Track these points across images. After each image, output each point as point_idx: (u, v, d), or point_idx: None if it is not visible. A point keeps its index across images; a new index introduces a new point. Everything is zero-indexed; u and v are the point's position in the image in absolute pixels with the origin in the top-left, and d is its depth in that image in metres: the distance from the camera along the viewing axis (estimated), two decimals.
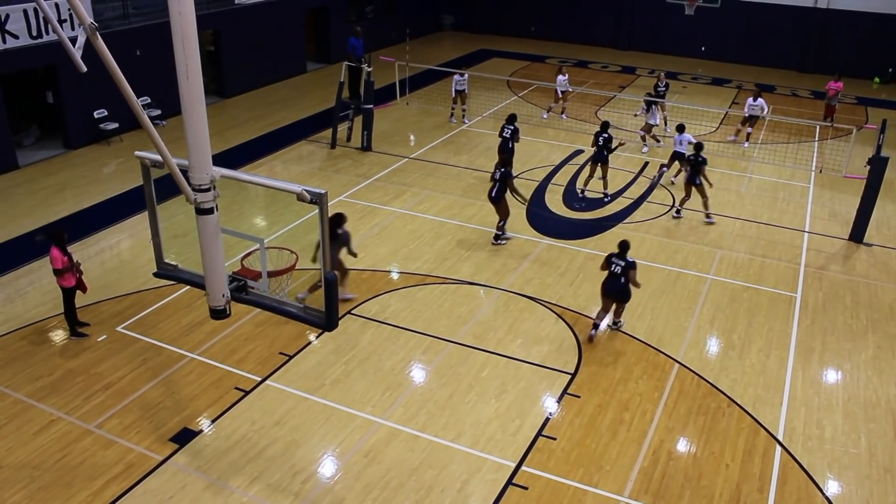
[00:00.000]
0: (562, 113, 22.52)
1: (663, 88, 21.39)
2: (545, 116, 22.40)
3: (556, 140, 20.55)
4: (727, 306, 12.59)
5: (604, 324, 11.74)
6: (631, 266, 11.11)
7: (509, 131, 16.65)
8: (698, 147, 15.44)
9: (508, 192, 13.96)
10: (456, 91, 21.25)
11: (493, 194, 14.08)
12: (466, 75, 21.34)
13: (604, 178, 16.74)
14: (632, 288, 11.26)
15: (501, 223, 14.37)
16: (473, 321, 11.86)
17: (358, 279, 12.99)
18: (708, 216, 15.68)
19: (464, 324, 11.79)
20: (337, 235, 11.38)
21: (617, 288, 11.21)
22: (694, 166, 15.23)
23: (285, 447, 9.15)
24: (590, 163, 16.82)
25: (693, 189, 15.44)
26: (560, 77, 22.12)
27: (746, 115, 20.33)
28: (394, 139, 20.17)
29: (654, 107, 19.71)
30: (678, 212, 15.84)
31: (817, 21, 28.94)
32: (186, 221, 7.77)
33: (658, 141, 20.21)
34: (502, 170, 14.04)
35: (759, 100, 20.01)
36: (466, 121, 21.41)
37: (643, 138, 19.90)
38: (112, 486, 8.47)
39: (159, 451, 9.01)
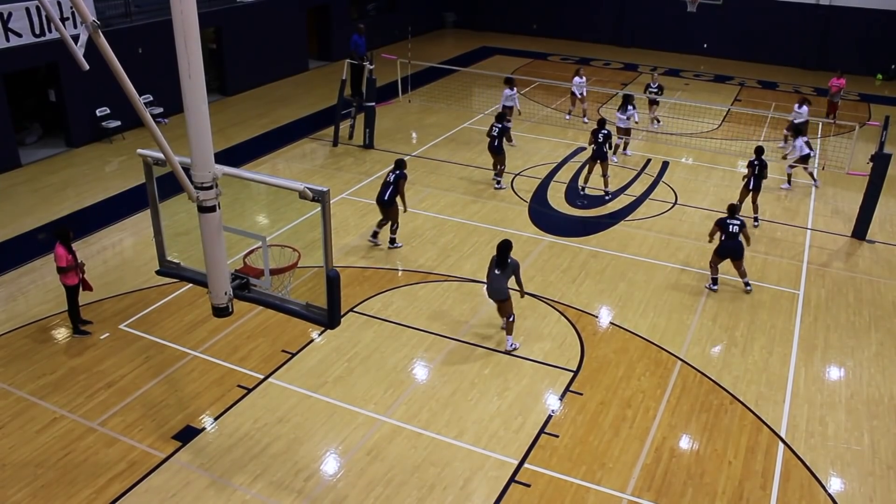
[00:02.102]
0: (583, 116, 21.95)
1: (655, 89, 20.92)
2: (568, 118, 22.10)
3: (557, 137, 20.52)
4: (729, 303, 12.58)
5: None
6: (744, 224, 12.50)
7: (497, 130, 16.47)
8: (760, 150, 15.19)
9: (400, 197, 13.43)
10: (504, 107, 19.85)
11: (384, 198, 13.42)
12: (516, 89, 20.01)
13: (604, 175, 16.71)
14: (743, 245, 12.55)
15: (389, 225, 13.79)
16: (475, 318, 11.85)
17: (360, 277, 13.00)
18: (756, 219, 15.53)
19: (466, 321, 11.78)
20: (507, 264, 10.55)
21: (737, 246, 12.45)
22: (759, 169, 14.99)
23: (288, 445, 9.16)
24: (590, 161, 16.80)
25: (749, 192, 15.19)
26: (577, 79, 21.48)
27: (793, 121, 19.35)
28: (396, 137, 20.16)
29: (630, 108, 18.70)
30: (756, 220, 15.52)
31: (820, 18, 28.88)
32: (189, 219, 7.79)
33: (625, 152, 19.24)
34: (397, 171, 13.48)
35: (805, 107, 19.35)
36: (513, 143, 19.60)
37: (625, 145, 19.20)
38: (115, 484, 8.49)
39: (162, 449, 9.02)
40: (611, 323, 11.94)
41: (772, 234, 15.20)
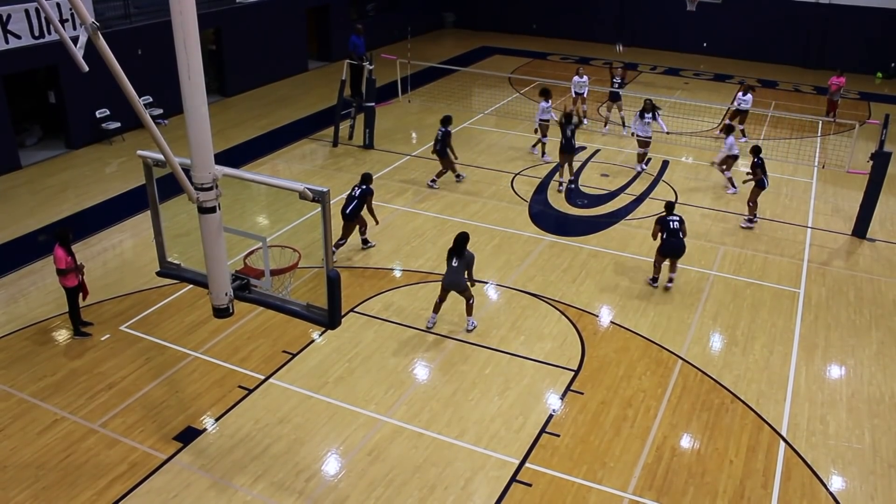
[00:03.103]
0: (583, 116, 21.07)
1: (618, 84, 20.53)
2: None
3: (557, 137, 20.43)
4: (730, 302, 12.58)
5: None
6: (682, 221, 12.51)
7: (440, 133, 16.14)
8: (758, 150, 15.19)
9: (365, 209, 13.29)
10: (540, 121, 18.42)
11: (346, 211, 13.14)
12: (550, 102, 18.52)
13: (570, 164, 17.05)
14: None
15: (343, 242, 13.49)
16: (476, 318, 11.84)
17: (361, 277, 13.00)
18: (752, 220, 15.42)
19: (467, 321, 11.78)
20: (462, 257, 11.01)
21: (680, 243, 12.46)
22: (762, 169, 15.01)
23: (289, 445, 9.16)
24: (560, 154, 16.96)
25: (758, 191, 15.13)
26: (576, 78, 21.04)
27: (735, 107, 20.26)
28: (395, 137, 20.16)
29: (648, 116, 17.49)
30: (750, 221, 15.42)
31: (820, 16, 28.87)
32: (189, 220, 7.80)
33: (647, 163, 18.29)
34: (363, 187, 13.22)
35: (749, 95, 19.81)
36: (547, 157, 18.76)
37: (642, 158, 18.11)
38: (116, 485, 8.49)
39: (163, 450, 9.02)
40: (611, 322, 11.94)
41: (772, 232, 15.19)
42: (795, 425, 9.78)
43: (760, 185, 15.06)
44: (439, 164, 16.53)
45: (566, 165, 17.06)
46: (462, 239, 11.12)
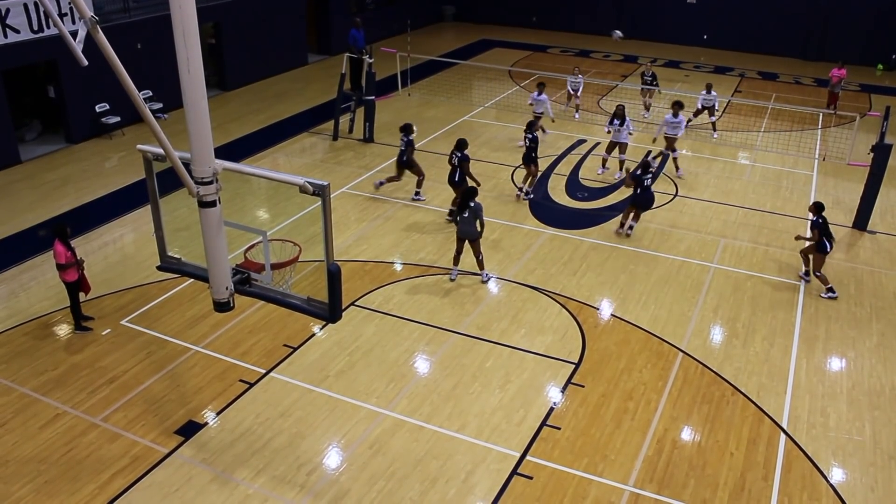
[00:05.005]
0: (576, 111, 21.60)
1: (649, 78, 21.24)
2: (564, 108, 22.20)
3: (557, 130, 20.47)
4: (731, 295, 12.58)
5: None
6: (657, 176, 14.30)
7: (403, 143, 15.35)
8: (820, 207, 12.73)
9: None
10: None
11: (454, 179, 14.48)
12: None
13: (532, 176, 15.98)
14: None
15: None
16: (477, 312, 11.86)
17: (361, 271, 13.01)
18: (831, 289, 12.68)
19: (467, 314, 11.79)
20: (469, 208, 12.09)
21: (650, 197, 14.09)
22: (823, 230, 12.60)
23: (290, 439, 9.17)
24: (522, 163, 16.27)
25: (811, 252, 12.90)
26: (571, 77, 21.25)
27: (700, 107, 20.24)
28: (395, 131, 19.99)
29: (619, 122, 16.64)
30: (831, 290, 12.65)
31: (820, 8, 28.79)
32: (189, 214, 7.80)
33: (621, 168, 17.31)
34: (458, 154, 14.39)
35: (713, 92, 19.90)
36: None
37: (611, 163, 17.38)
38: (118, 479, 8.51)
39: (165, 444, 9.04)
40: (612, 315, 11.95)
41: (773, 225, 15.18)
42: (796, 418, 9.79)
43: (821, 249, 12.52)
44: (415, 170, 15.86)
45: (529, 173, 16.05)
46: (467, 193, 12.23)
